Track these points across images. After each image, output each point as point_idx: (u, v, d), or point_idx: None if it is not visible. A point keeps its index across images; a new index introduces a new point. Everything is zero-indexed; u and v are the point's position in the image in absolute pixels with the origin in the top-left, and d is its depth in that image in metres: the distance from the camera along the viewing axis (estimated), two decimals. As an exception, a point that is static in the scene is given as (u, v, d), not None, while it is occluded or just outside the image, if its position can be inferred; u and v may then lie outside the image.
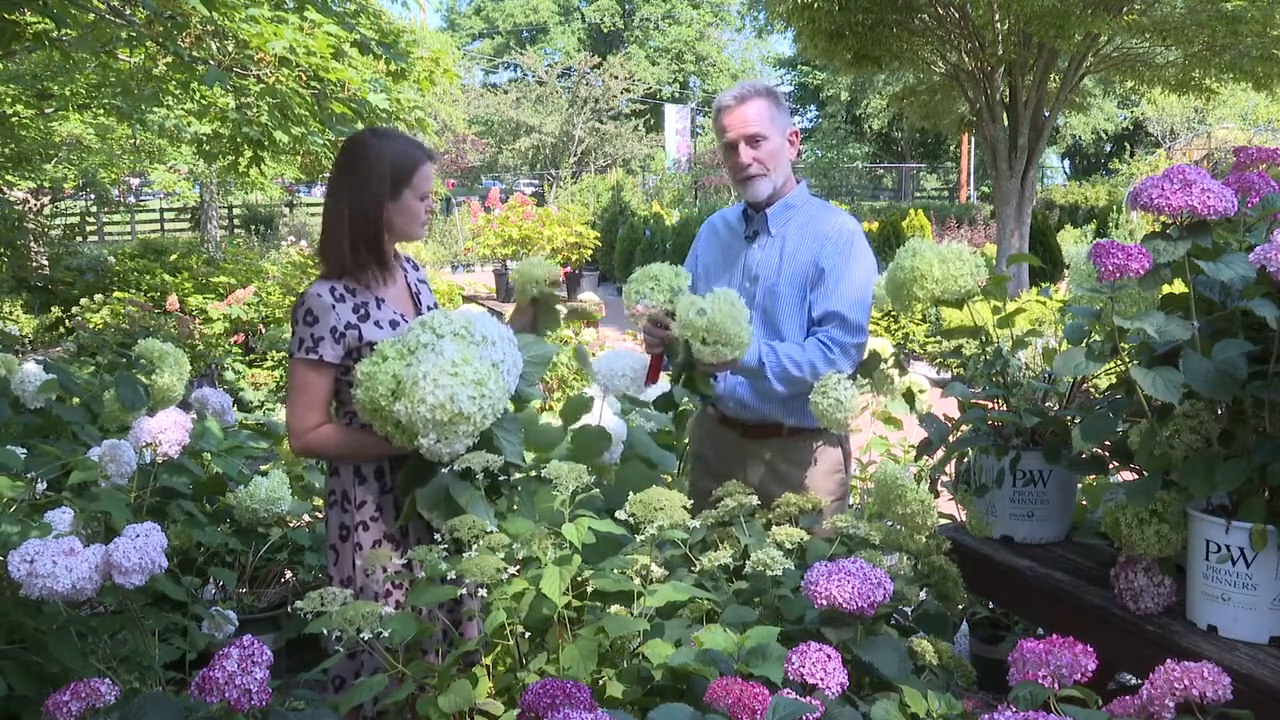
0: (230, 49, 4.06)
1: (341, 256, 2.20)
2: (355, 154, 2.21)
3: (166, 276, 10.35)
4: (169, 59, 4.56)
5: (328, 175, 2.35)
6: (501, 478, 1.96)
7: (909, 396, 2.60)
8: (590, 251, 14.30)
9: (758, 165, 2.50)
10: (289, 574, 3.45)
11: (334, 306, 2.16)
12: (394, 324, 2.22)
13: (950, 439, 2.23)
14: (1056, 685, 1.31)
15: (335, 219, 2.21)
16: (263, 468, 3.62)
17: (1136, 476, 1.89)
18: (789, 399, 2.50)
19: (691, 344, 2.14)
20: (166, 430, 2.58)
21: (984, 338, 2.22)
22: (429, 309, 2.35)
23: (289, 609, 3.07)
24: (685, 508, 1.74)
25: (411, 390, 1.84)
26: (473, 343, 1.93)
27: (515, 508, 2.07)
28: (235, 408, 3.53)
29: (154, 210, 25.06)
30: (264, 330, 8.33)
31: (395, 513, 2.18)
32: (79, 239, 15.81)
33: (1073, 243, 15.87)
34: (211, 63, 3.95)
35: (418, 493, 1.99)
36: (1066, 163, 37.27)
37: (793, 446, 2.58)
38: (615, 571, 1.75)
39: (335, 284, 2.20)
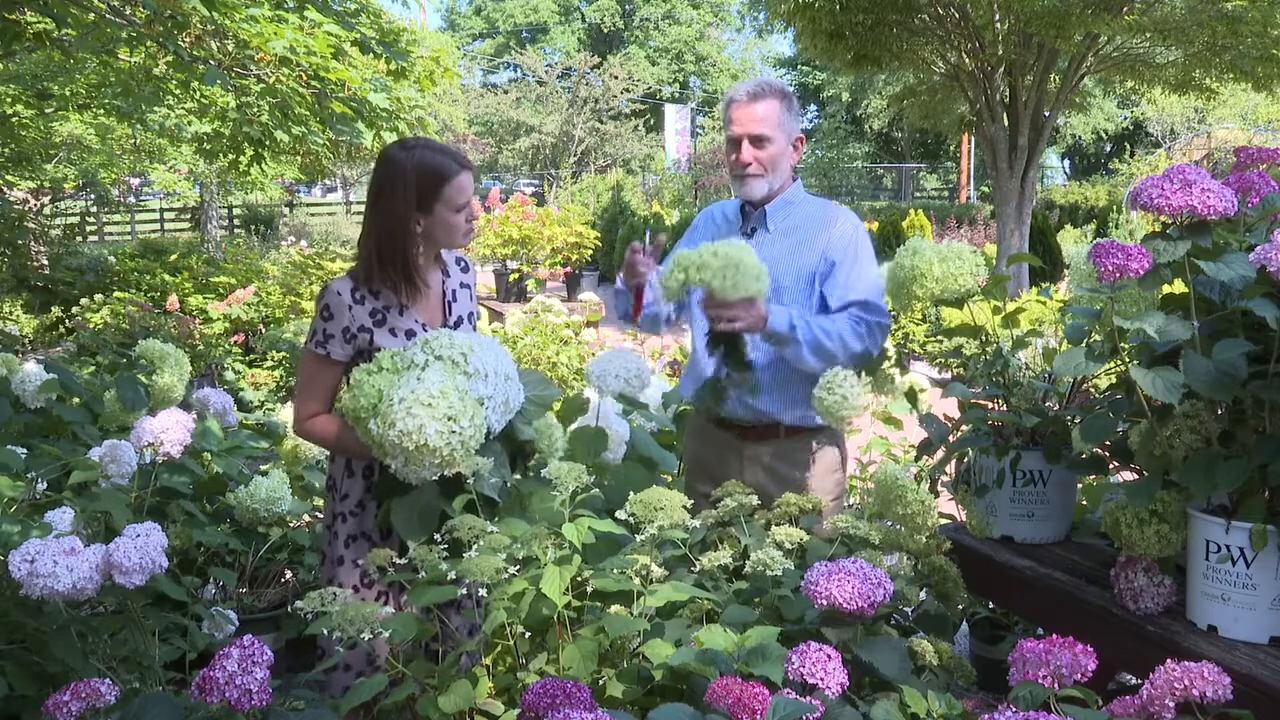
0: (230, 48, 4.06)
1: (370, 267, 2.20)
2: (382, 170, 2.20)
3: (166, 276, 10.35)
4: (169, 58, 4.56)
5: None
6: (492, 480, 1.94)
7: (909, 396, 2.59)
8: (590, 251, 14.31)
9: (757, 165, 2.49)
10: (289, 574, 3.45)
11: (351, 307, 2.18)
12: (410, 333, 2.21)
13: (950, 439, 2.22)
14: (1056, 685, 1.31)
15: (367, 232, 2.22)
16: (263, 468, 3.62)
17: (1136, 476, 1.89)
18: (786, 395, 2.50)
19: (713, 284, 2.12)
20: (169, 430, 2.58)
21: (984, 338, 2.22)
22: (459, 319, 2.34)
23: (289, 609, 3.07)
24: (685, 508, 1.74)
25: (386, 412, 1.84)
26: (463, 373, 1.91)
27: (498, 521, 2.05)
28: (235, 408, 3.52)
29: (154, 210, 25.06)
30: (264, 330, 8.33)
31: (378, 511, 2.20)
32: (79, 239, 15.82)
33: (1073, 243, 15.87)
34: (212, 62, 3.96)
35: (394, 508, 1.98)
36: (1066, 163, 37.28)
37: (790, 447, 2.58)
38: (615, 571, 1.75)
39: (359, 285, 2.20)
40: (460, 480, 1.88)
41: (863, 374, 2.36)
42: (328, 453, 3.64)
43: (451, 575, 1.66)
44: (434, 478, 1.90)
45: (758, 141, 2.48)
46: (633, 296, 2.54)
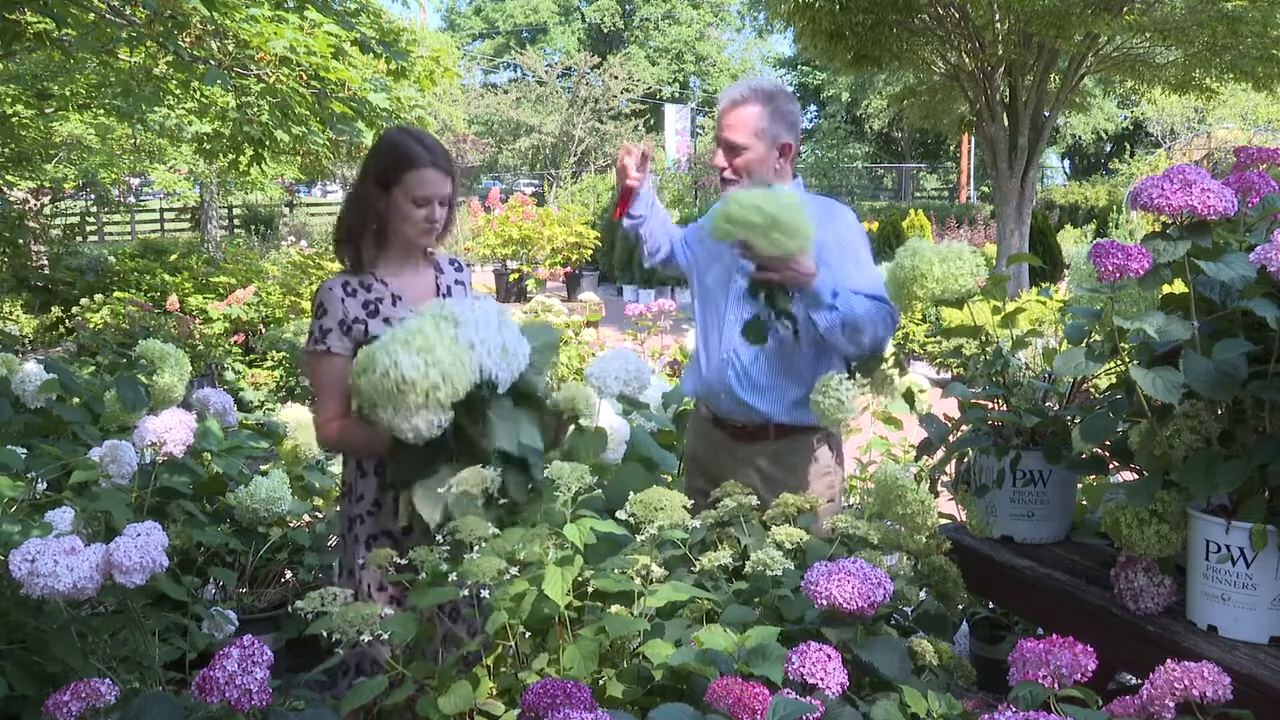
0: (230, 48, 4.06)
1: (345, 248, 2.25)
2: (372, 146, 2.28)
3: (166, 276, 10.34)
4: (169, 58, 4.56)
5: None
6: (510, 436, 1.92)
7: (909, 396, 2.59)
8: (590, 251, 14.31)
9: (730, 171, 2.50)
10: (289, 574, 3.45)
11: (343, 300, 2.20)
12: None
13: (950, 439, 2.22)
14: (1056, 685, 1.31)
15: (344, 204, 2.30)
16: (263, 468, 3.62)
17: (1136, 476, 1.89)
18: (778, 395, 2.50)
19: (754, 242, 2.11)
20: (171, 429, 2.58)
21: (984, 338, 2.22)
22: None
23: (289, 609, 3.07)
24: (685, 508, 1.73)
25: (366, 361, 1.83)
26: (452, 323, 1.89)
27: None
28: (235, 408, 3.52)
29: (154, 210, 25.04)
30: (264, 330, 8.32)
31: (395, 507, 2.20)
32: (79, 239, 15.81)
33: (1073, 243, 15.87)
34: (212, 62, 3.96)
35: (417, 493, 1.97)
36: (1066, 163, 37.26)
37: (782, 449, 2.57)
38: (615, 572, 1.75)
39: (350, 279, 2.23)
40: (478, 455, 1.86)
41: (858, 376, 2.36)
42: (326, 453, 3.66)
43: (453, 576, 1.66)
44: (428, 429, 1.86)
45: (731, 149, 2.49)
46: (619, 196, 2.64)
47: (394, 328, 1.93)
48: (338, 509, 3.70)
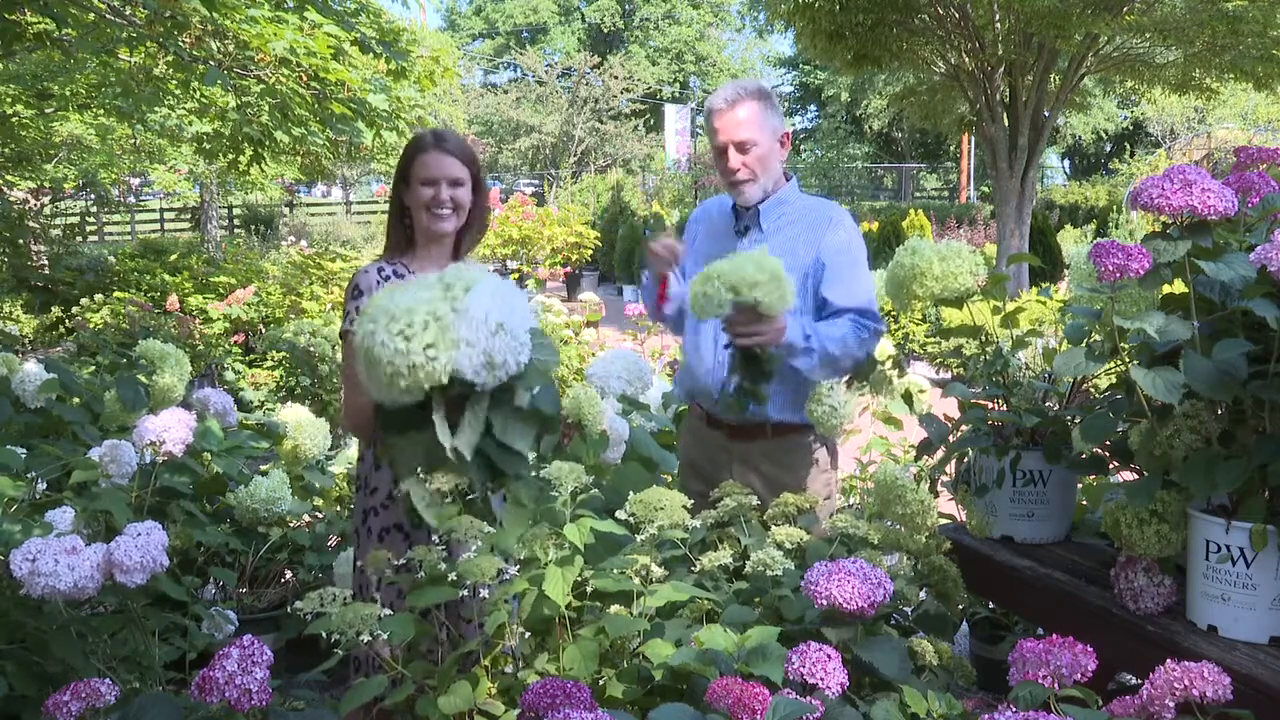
0: (230, 49, 4.07)
1: (387, 242, 2.40)
2: None
3: (166, 276, 10.34)
4: (169, 59, 4.56)
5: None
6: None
7: (908, 397, 2.59)
8: (590, 251, 14.32)
9: (746, 170, 2.48)
10: (289, 574, 3.45)
11: (378, 283, 2.28)
12: None
13: (950, 439, 2.22)
14: (1056, 685, 1.31)
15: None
16: (263, 468, 3.62)
17: (1136, 476, 1.89)
18: (774, 395, 2.50)
19: (765, 300, 2.01)
20: (171, 429, 2.58)
21: (984, 337, 2.22)
22: None
23: (289, 609, 3.07)
24: (685, 508, 1.73)
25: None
26: (452, 308, 1.75)
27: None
28: (235, 408, 3.52)
29: (154, 210, 25.05)
30: (264, 330, 8.31)
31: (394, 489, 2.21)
32: (79, 239, 15.82)
33: (1073, 243, 15.86)
34: (211, 63, 3.96)
35: (396, 444, 1.86)
36: (1066, 163, 37.26)
37: (779, 448, 2.56)
38: (615, 571, 1.74)
39: (385, 265, 2.34)
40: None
41: (853, 383, 2.36)
42: (331, 450, 3.66)
43: (452, 576, 1.66)
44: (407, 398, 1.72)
45: (742, 147, 2.47)
46: (658, 285, 2.59)
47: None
48: (338, 509, 3.71)
